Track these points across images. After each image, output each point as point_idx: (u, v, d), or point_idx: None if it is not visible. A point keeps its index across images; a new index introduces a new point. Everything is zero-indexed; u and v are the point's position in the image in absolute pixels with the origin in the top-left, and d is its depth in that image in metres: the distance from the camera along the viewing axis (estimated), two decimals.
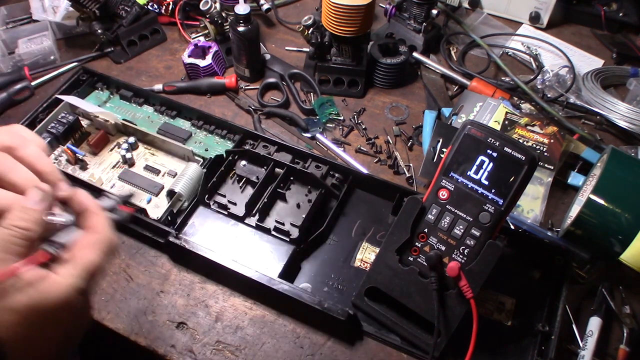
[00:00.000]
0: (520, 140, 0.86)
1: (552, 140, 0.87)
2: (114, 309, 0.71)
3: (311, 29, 0.97)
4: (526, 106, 0.97)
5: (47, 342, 0.43)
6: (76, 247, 0.43)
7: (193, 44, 1.02)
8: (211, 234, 0.78)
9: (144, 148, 0.88)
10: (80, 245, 0.43)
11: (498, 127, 0.89)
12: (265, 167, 0.83)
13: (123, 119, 0.89)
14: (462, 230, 0.63)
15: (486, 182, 0.61)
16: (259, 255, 0.75)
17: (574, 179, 0.86)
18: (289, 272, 0.73)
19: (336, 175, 0.82)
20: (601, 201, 0.71)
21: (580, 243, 0.75)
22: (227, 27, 1.04)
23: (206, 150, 0.88)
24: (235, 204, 0.79)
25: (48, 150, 0.48)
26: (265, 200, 0.78)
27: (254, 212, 0.79)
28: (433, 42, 1.10)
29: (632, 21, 1.16)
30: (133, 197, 0.81)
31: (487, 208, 0.62)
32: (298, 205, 0.80)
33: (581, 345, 0.68)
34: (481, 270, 0.61)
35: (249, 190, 0.82)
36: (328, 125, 0.96)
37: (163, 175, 0.85)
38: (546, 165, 0.85)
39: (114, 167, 0.85)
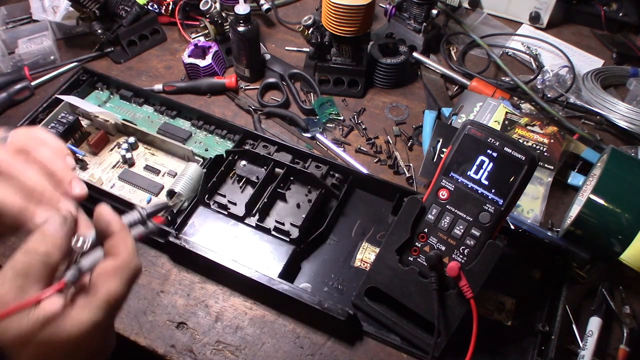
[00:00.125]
0: (520, 140, 0.86)
1: (552, 140, 0.87)
2: None
3: (311, 29, 0.97)
4: (526, 106, 0.97)
5: None
6: (97, 275, 0.40)
7: (193, 44, 1.02)
8: (211, 234, 0.78)
9: (144, 148, 0.88)
10: (101, 273, 0.40)
11: (498, 127, 0.89)
12: (265, 167, 0.83)
13: (123, 119, 0.89)
14: (462, 230, 0.63)
15: (486, 182, 0.61)
16: (259, 255, 0.75)
17: (574, 179, 0.86)
18: (289, 272, 0.73)
19: (336, 175, 0.82)
20: (601, 201, 0.71)
21: (580, 243, 0.75)
22: (227, 27, 1.04)
23: (206, 150, 0.88)
24: (235, 204, 0.79)
25: (67, 152, 0.47)
26: (265, 200, 0.78)
27: (254, 212, 0.79)
28: (433, 42, 1.10)
29: (632, 21, 1.16)
30: (166, 209, 0.73)
31: (487, 208, 0.62)
32: (298, 205, 0.80)
33: (581, 345, 0.68)
34: (481, 270, 0.61)
35: (249, 190, 0.82)
36: (328, 125, 0.96)
37: (163, 175, 0.85)
38: (546, 165, 0.85)
39: (114, 167, 0.85)
